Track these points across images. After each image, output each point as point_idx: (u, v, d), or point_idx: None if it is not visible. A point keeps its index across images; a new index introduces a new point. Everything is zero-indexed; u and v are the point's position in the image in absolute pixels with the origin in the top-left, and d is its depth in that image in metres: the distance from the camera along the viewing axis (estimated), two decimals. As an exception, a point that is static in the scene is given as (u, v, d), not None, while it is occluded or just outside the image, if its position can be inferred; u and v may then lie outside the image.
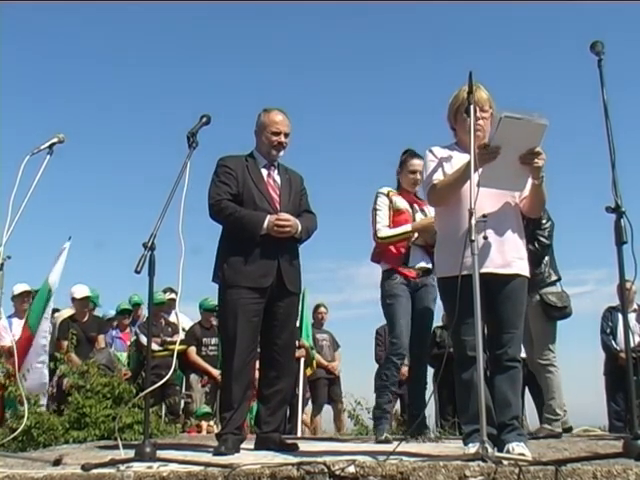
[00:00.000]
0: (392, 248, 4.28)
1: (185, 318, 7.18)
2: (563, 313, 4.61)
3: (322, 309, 7.83)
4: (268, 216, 3.45)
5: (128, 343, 6.93)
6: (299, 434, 6.44)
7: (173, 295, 6.93)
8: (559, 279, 4.70)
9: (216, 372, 6.62)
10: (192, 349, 6.91)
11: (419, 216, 4.35)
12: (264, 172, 3.63)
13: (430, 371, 7.10)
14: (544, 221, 4.57)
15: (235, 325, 3.38)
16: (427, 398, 4.27)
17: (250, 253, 3.44)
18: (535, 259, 4.55)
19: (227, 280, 3.46)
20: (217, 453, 3.13)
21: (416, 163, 4.33)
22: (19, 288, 6.32)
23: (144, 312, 7.24)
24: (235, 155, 3.69)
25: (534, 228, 4.51)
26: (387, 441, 3.92)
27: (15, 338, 5.85)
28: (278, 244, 3.47)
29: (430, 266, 4.22)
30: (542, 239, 4.55)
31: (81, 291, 6.71)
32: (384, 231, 4.27)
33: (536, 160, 2.84)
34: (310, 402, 7.54)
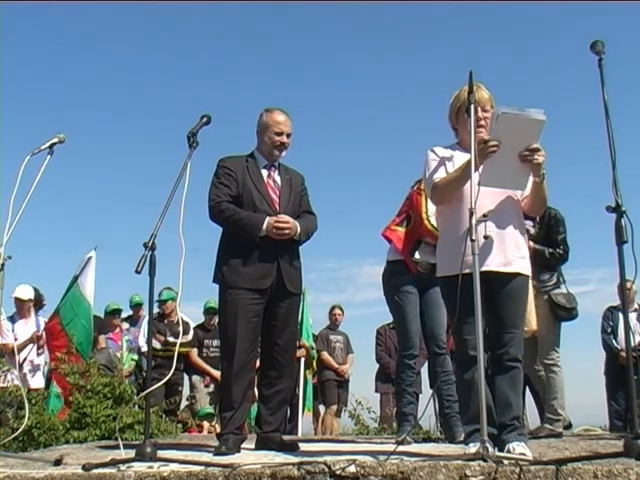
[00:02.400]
0: (407, 235, 4.11)
1: (189, 320, 7.17)
2: (571, 314, 4.63)
3: (337, 310, 7.83)
4: (267, 218, 3.45)
5: (119, 343, 6.90)
6: (299, 434, 6.45)
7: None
8: (564, 281, 4.73)
9: (217, 373, 6.62)
10: (194, 351, 6.91)
11: (431, 210, 4.06)
12: (264, 173, 3.63)
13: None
14: (561, 229, 4.61)
15: (235, 326, 3.38)
16: (453, 396, 3.96)
17: (250, 254, 3.44)
18: (559, 263, 4.64)
19: (227, 281, 3.46)
20: (218, 453, 3.13)
21: None
22: (23, 293, 6.27)
23: (144, 312, 7.23)
24: (235, 155, 3.68)
25: (557, 234, 4.57)
26: (404, 442, 3.62)
27: (19, 339, 5.90)
28: (278, 245, 3.47)
29: (435, 262, 4.12)
30: (566, 246, 4.59)
31: None
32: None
33: (536, 157, 2.85)
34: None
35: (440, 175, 3.04)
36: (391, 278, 4.16)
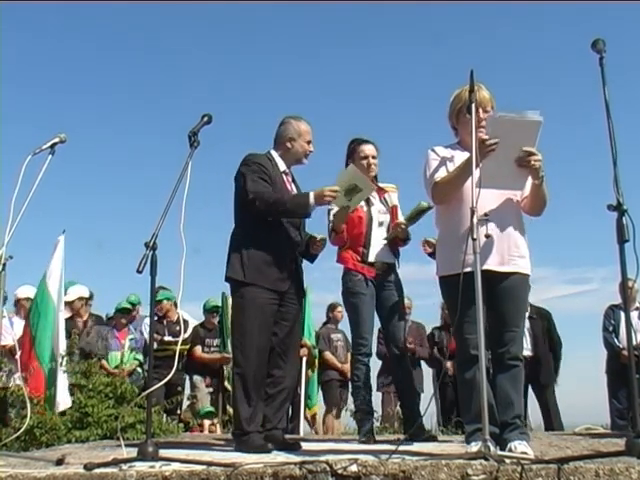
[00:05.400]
0: (350, 250, 4.22)
1: (189, 317, 7.16)
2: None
3: (340, 308, 7.50)
4: (311, 193, 3.45)
5: (123, 342, 6.87)
6: (301, 433, 6.45)
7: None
8: None
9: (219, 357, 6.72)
10: (197, 348, 6.91)
11: (376, 208, 4.27)
12: (283, 177, 3.69)
13: (428, 372, 7.17)
14: None
15: (254, 324, 3.40)
16: (428, 399, 4.24)
17: (270, 254, 3.48)
18: None
19: (247, 277, 3.46)
20: (255, 450, 3.15)
21: (366, 148, 4.25)
22: (25, 292, 6.25)
23: (140, 312, 7.20)
24: (261, 154, 3.69)
25: None
26: (367, 442, 3.89)
27: (17, 337, 5.86)
28: (295, 248, 3.57)
29: (392, 261, 4.24)
30: None
31: (78, 292, 6.66)
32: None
33: (532, 162, 2.85)
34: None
35: (441, 174, 3.05)
36: (345, 280, 4.25)
